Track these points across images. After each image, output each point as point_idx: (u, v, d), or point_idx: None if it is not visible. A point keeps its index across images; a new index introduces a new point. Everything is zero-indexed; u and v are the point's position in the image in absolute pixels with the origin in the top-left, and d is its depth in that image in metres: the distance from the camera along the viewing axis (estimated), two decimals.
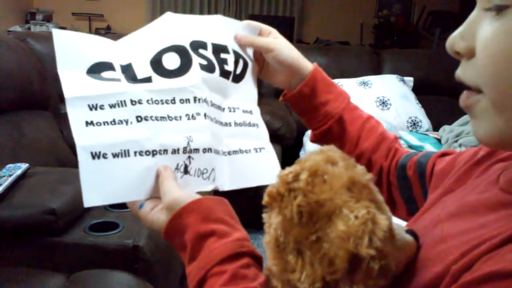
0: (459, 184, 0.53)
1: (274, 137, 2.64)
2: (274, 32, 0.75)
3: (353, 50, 3.50)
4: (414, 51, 3.44)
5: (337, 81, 2.71)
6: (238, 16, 5.93)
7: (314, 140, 0.76)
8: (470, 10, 0.43)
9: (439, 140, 2.36)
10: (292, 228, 0.42)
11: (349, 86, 2.68)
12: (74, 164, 1.83)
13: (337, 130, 0.72)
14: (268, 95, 3.05)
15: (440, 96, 3.02)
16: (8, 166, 1.28)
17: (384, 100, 2.62)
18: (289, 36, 5.57)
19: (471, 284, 0.35)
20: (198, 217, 0.52)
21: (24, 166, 1.28)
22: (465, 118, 2.40)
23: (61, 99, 2.13)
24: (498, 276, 0.34)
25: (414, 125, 2.62)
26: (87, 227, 1.20)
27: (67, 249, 1.16)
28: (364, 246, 0.39)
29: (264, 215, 0.47)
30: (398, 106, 2.62)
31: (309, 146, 2.48)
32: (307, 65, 0.72)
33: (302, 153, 2.63)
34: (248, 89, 0.79)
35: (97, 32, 5.48)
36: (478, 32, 0.41)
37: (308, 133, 3.00)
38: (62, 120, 2.03)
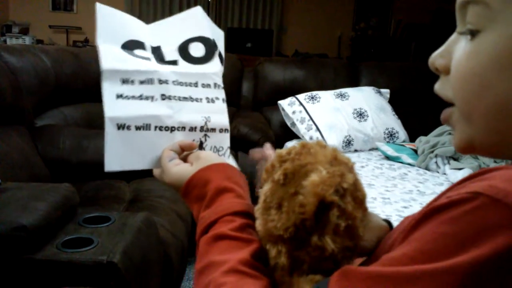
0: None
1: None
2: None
3: (331, 62, 3.54)
4: (391, 64, 3.49)
5: (315, 93, 2.74)
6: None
7: None
8: (442, 23, 0.47)
9: (415, 151, 2.39)
10: (278, 189, 0.50)
11: (326, 98, 2.71)
12: (48, 179, 1.78)
13: None
14: (246, 108, 3.05)
15: (416, 108, 3.07)
16: None
17: (361, 112, 2.65)
18: (268, 49, 5.62)
19: (416, 224, 0.39)
20: (223, 175, 0.61)
21: None
22: (440, 129, 2.43)
23: (36, 112, 2.10)
24: (432, 212, 0.38)
25: (391, 136, 2.65)
26: (60, 243, 1.17)
27: (39, 266, 1.13)
28: (330, 193, 0.46)
29: (259, 190, 0.53)
30: (375, 118, 2.65)
31: None
32: None
33: None
34: None
35: (75, 45, 5.43)
36: (454, 52, 0.45)
37: (287, 144, 3.00)
38: (36, 134, 1.99)
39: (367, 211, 0.52)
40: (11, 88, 1.85)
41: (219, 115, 0.74)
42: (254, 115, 2.90)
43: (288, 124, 2.77)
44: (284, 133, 2.82)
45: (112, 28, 0.71)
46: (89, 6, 5.66)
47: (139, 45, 0.72)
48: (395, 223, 0.60)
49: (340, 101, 2.70)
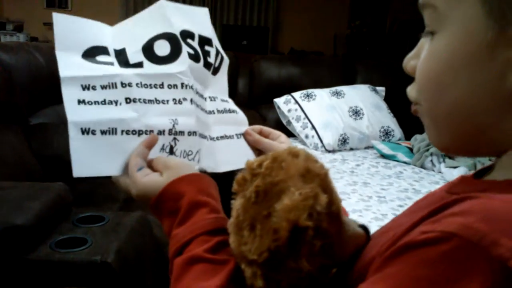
0: None
1: None
2: (282, 136, 0.80)
3: (326, 60, 3.54)
4: (386, 61, 3.49)
5: (310, 91, 2.73)
6: (212, 26, 5.93)
7: None
8: None
9: (411, 149, 2.39)
10: (250, 207, 0.47)
11: (322, 96, 2.70)
12: (42, 178, 1.77)
13: None
14: (242, 105, 3.03)
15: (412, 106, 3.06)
16: None
17: (356, 110, 2.65)
18: (263, 46, 5.61)
19: (389, 258, 0.38)
20: (196, 188, 0.58)
21: None
22: None
23: (30, 111, 2.08)
24: (407, 248, 0.36)
25: (386, 134, 2.65)
26: (53, 243, 1.16)
27: (32, 267, 1.12)
28: (303, 218, 0.44)
29: (232, 201, 0.51)
30: (370, 116, 2.65)
31: None
32: None
33: None
34: (222, 81, 0.85)
35: None
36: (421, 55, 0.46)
37: None
38: (30, 132, 1.98)
39: (343, 223, 0.51)
40: (5, 86, 1.84)
41: (187, 117, 0.70)
42: (250, 113, 2.88)
43: (284, 122, 2.77)
44: (279, 131, 2.81)
45: (70, 36, 0.68)
46: (83, 3, 5.64)
47: (102, 50, 0.70)
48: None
49: (335, 99, 2.69)
